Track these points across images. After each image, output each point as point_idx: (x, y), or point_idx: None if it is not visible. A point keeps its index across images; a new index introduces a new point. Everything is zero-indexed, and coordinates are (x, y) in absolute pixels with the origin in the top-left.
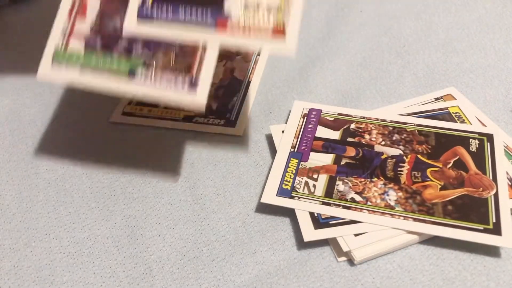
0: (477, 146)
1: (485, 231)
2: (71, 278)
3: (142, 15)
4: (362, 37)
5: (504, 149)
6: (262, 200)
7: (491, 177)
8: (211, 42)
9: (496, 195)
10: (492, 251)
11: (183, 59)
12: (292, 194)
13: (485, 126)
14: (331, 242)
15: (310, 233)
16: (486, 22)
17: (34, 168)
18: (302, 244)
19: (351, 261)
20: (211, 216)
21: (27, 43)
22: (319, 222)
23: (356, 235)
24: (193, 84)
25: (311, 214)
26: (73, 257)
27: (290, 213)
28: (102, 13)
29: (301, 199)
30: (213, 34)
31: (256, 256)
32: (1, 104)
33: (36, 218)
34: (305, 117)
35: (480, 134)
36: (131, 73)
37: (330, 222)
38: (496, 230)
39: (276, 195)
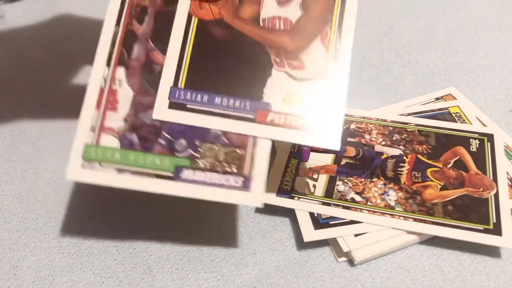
0: (477, 146)
1: (486, 231)
2: (71, 279)
3: (174, 98)
4: (362, 37)
5: (505, 149)
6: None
7: (491, 177)
8: (261, 134)
9: (496, 195)
10: (492, 252)
11: (232, 153)
12: (292, 194)
13: (486, 126)
14: (331, 243)
15: (310, 233)
16: (486, 22)
17: (34, 168)
18: (302, 244)
19: (351, 262)
20: (211, 216)
21: (27, 41)
22: (319, 222)
23: (356, 235)
24: (246, 180)
25: (311, 214)
26: (72, 257)
27: (290, 213)
28: (137, 104)
29: (301, 199)
30: (253, 125)
31: (256, 256)
32: (0, 104)
33: (35, 218)
34: None
35: (480, 134)
36: (177, 173)
37: (330, 223)
38: (497, 230)
39: (276, 195)
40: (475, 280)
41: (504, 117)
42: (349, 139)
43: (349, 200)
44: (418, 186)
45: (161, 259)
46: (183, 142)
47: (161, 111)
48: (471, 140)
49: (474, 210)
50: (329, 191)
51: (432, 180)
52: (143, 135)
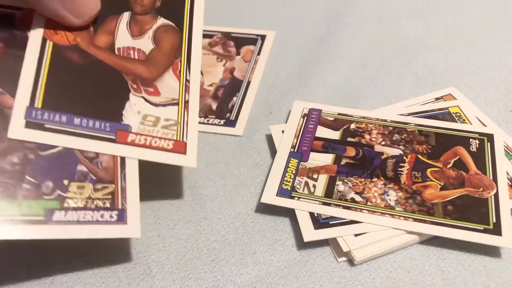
0: (477, 146)
1: (485, 231)
2: (71, 279)
3: (31, 117)
4: (362, 37)
5: (505, 149)
6: (262, 200)
7: (491, 177)
8: (128, 160)
9: (496, 195)
10: (492, 252)
11: (103, 189)
12: (292, 194)
13: (486, 126)
14: (331, 242)
15: (310, 233)
16: (486, 21)
17: None
18: (302, 244)
19: (351, 261)
20: (211, 216)
21: None
22: (319, 222)
23: (356, 235)
24: (121, 213)
25: (311, 214)
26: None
27: (290, 213)
28: None
29: (301, 199)
30: (114, 145)
31: (256, 256)
32: None
33: None
34: (305, 117)
35: (480, 134)
36: (47, 216)
37: (330, 222)
38: (496, 230)
39: (276, 195)
40: (475, 280)
41: (504, 117)
42: (349, 139)
43: (349, 200)
44: (418, 186)
45: (161, 259)
46: (49, 184)
47: (18, 131)
48: (471, 140)
49: (474, 210)
50: (329, 191)
51: (432, 180)
52: (4, 181)
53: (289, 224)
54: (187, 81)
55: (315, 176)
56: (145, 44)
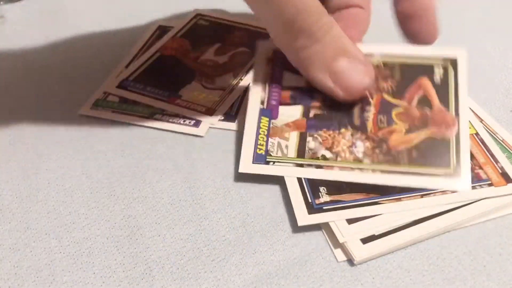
0: (441, 76)
1: (446, 175)
2: (71, 279)
3: (123, 84)
4: (362, 37)
5: (502, 144)
6: (240, 170)
7: (453, 112)
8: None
9: (458, 136)
10: (492, 251)
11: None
12: (267, 159)
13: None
14: (329, 238)
15: (304, 218)
16: (486, 22)
17: (34, 168)
18: (302, 244)
19: (351, 261)
20: (211, 216)
21: (25, 40)
22: (313, 207)
23: (349, 223)
24: (196, 124)
25: (305, 200)
26: (73, 257)
27: (290, 213)
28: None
29: (276, 163)
30: (165, 104)
31: (256, 256)
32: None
33: (36, 218)
34: (271, 63)
35: (444, 59)
36: (151, 115)
37: (324, 208)
38: (456, 173)
39: (252, 163)
40: (475, 280)
41: (504, 117)
42: None
43: (320, 158)
44: (384, 133)
45: (161, 259)
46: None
47: (111, 89)
48: (434, 68)
49: (437, 153)
50: (301, 150)
51: (397, 124)
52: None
53: (289, 224)
54: (241, 79)
55: (286, 135)
56: (222, 59)
